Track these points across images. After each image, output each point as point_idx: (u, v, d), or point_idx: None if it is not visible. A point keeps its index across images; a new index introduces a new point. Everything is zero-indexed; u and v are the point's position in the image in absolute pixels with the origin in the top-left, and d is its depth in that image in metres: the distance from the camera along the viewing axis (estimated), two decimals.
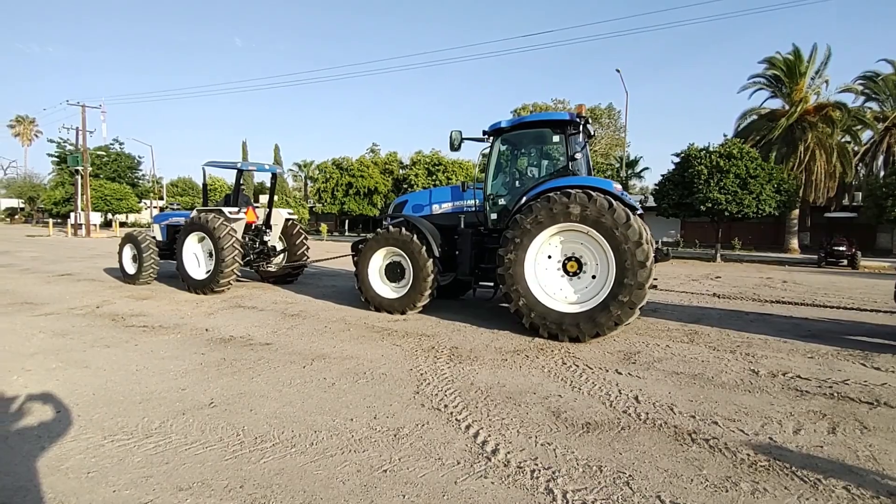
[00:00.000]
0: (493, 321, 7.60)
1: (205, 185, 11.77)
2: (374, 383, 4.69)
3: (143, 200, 59.21)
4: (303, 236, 11.39)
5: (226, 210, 9.94)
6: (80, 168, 36.87)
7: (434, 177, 33.22)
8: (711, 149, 23.48)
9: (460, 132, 7.61)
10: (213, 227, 9.45)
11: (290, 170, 68.98)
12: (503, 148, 7.86)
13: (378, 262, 8.18)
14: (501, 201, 7.60)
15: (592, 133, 7.79)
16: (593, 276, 6.51)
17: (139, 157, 61.02)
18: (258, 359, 5.42)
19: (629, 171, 44.20)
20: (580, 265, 6.59)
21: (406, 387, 4.60)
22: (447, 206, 8.29)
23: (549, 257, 6.72)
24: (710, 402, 4.34)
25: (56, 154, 54.10)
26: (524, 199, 6.93)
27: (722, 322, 7.92)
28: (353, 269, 8.50)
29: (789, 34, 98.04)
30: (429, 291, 7.70)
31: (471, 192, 7.94)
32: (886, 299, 11.16)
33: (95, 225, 40.05)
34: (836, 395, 4.55)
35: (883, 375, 5.15)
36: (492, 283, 7.69)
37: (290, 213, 11.43)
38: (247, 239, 10.67)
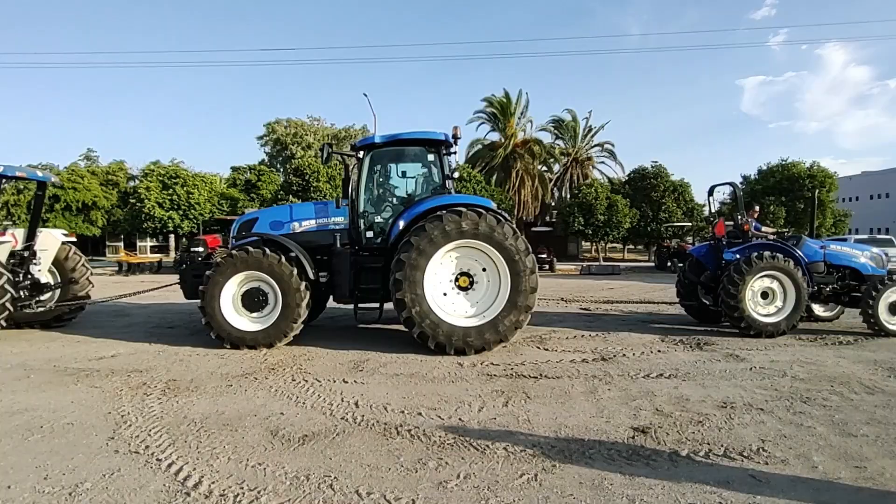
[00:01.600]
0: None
1: None
2: (53, 437, 3.90)
3: None
4: (83, 265, 8.94)
5: None
6: None
7: (171, 190, 29.47)
8: None
9: (331, 145, 7.24)
10: None
11: None
12: (374, 164, 7.61)
13: (232, 289, 6.93)
14: (378, 218, 7.41)
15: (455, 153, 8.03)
16: (486, 287, 6.82)
17: None
18: None
19: None
20: (471, 279, 6.82)
21: (98, 434, 3.96)
22: (309, 224, 7.62)
23: (443, 275, 6.79)
24: (419, 396, 4.90)
25: None
26: (404, 217, 6.93)
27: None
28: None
29: (513, 73, 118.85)
30: (302, 318, 6.92)
31: (336, 209, 7.45)
32: (568, 293, 14.35)
33: None
34: (514, 374, 5.65)
35: (548, 354, 6.61)
36: (375, 305, 7.32)
37: (65, 235, 8.91)
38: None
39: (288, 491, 3.08)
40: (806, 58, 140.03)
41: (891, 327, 7.75)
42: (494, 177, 33.28)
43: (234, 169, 40.00)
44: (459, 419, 4.27)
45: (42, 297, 8.47)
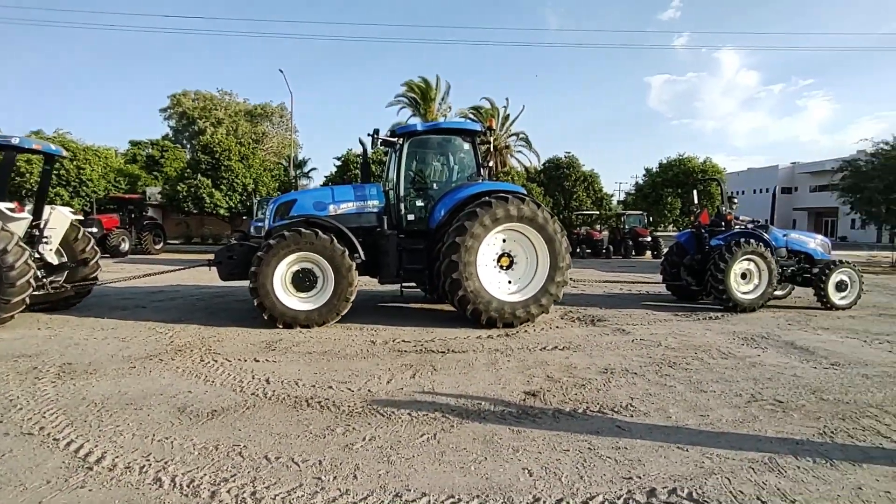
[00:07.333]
0: (127, 329, 6.83)
1: None
2: None
3: None
4: (92, 245, 8.29)
5: (1, 206, 6.89)
6: None
7: (57, 165, 26.65)
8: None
9: (377, 131, 7.83)
10: None
11: None
12: (414, 150, 8.13)
13: (282, 270, 7.03)
14: (419, 202, 7.92)
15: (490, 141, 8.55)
16: (525, 266, 7.60)
17: None
18: None
19: (298, 171, 45.38)
20: (511, 259, 7.58)
21: None
22: (348, 206, 7.84)
23: (489, 255, 7.46)
24: (331, 371, 5.09)
25: None
26: (445, 202, 7.60)
27: (374, 302, 9.15)
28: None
29: (427, 61, 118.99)
30: (352, 297, 7.26)
31: (373, 192, 7.91)
32: None
33: None
34: (424, 349, 5.99)
35: (457, 331, 7.02)
36: (414, 285, 8.04)
37: (73, 213, 8.29)
38: None
39: (196, 460, 3.18)
40: (705, 60, 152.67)
41: (837, 302, 9.37)
42: None
43: (133, 143, 36.86)
44: (368, 391, 4.53)
45: (57, 278, 7.84)
